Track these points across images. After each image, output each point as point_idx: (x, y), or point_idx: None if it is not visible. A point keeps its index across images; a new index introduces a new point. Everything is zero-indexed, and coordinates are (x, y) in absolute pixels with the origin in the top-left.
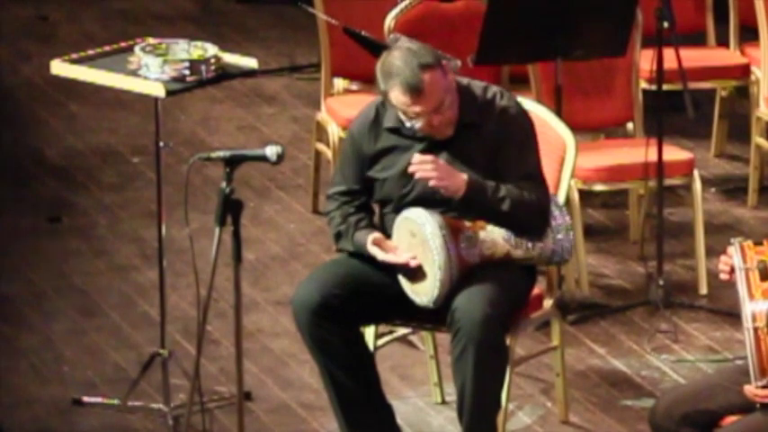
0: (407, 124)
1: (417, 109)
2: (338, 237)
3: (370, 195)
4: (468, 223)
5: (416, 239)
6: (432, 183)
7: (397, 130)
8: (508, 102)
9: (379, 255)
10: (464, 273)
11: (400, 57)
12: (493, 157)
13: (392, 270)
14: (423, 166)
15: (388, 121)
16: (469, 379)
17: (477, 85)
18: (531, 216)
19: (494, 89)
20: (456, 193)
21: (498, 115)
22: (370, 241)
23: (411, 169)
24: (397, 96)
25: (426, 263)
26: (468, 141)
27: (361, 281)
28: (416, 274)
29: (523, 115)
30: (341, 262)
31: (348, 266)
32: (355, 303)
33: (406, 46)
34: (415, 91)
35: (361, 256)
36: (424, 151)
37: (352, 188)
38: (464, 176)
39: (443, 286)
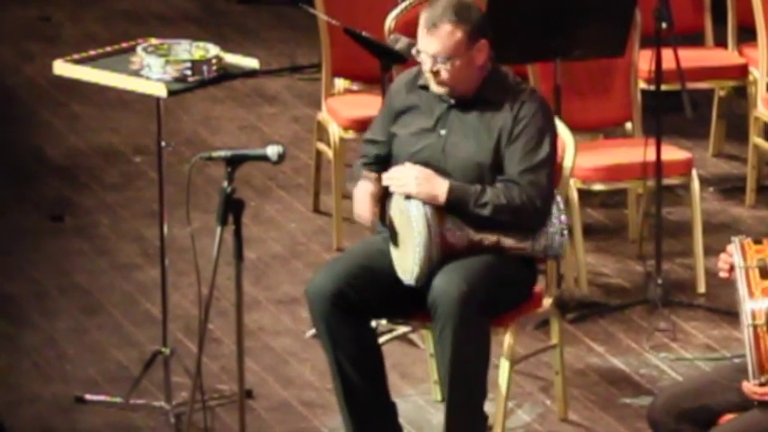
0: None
1: (422, 45)
2: (350, 177)
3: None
4: None
5: (403, 217)
6: (407, 191)
7: (427, 88)
8: (534, 99)
9: (358, 191)
10: (449, 255)
11: (450, 1)
12: (500, 141)
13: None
14: (396, 181)
15: (423, 79)
16: (449, 358)
17: (514, 77)
18: (516, 219)
19: (526, 85)
20: (435, 200)
21: (519, 106)
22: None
23: (384, 183)
24: (420, 21)
25: (410, 241)
26: (482, 116)
27: (376, 273)
28: (402, 252)
29: (545, 114)
30: (357, 253)
31: (364, 258)
32: (369, 295)
33: (466, 1)
34: (429, 26)
35: (374, 246)
36: (439, 118)
37: (377, 138)
38: (445, 185)
39: (423, 265)
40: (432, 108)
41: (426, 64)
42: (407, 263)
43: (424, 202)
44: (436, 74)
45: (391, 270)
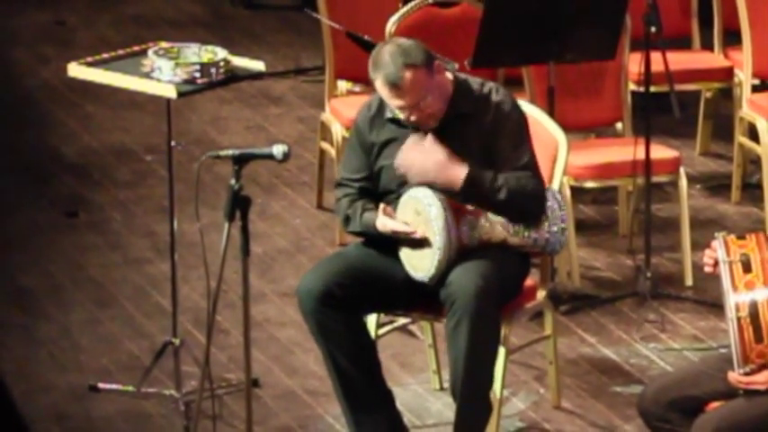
0: (393, 114)
1: (396, 102)
2: (347, 220)
3: (374, 184)
4: (470, 207)
5: (420, 218)
6: (427, 180)
7: (397, 121)
8: (503, 97)
9: (389, 223)
10: (461, 253)
11: (389, 51)
12: (488, 147)
13: (394, 260)
14: (414, 172)
15: (389, 112)
16: (463, 350)
17: (474, 81)
18: (527, 203)
19: (490, 84)
20: (453, 184)
21: (494, 108)
22: (381, 212)
23: (401, 171)
24: (380, 87)
25: (427, 242)
26: (463, 131)
27: (364, 271)
28: (417, 250)
29: (517, 109)
30: (345, 254)
31: (352, 258)
32: (358, 292)
33: (399, 42)
34: (394, 86)
35: (366, 247)
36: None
37: (358, 176)
38: (462, 171)
39: (440, 266)
40: (408, 135)
41: (413, 116)
42: (424, 263)
43: (445, 209)
44: (421, 117)
45: (379, 269)
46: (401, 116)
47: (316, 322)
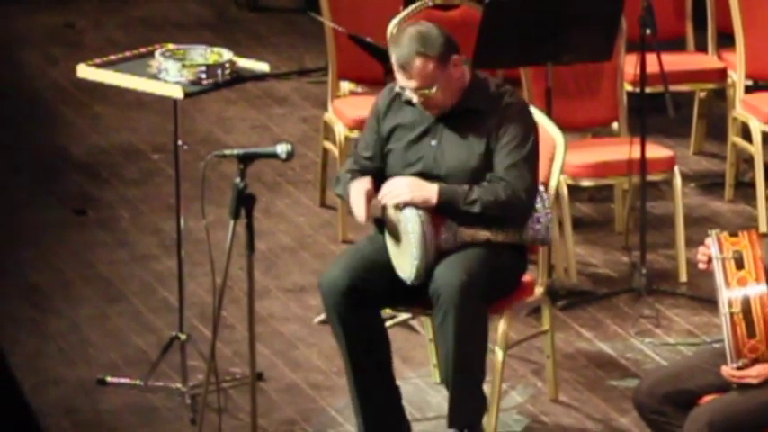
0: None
1: (401, 83)
2: (336, 181)
3: (382, 166)
4: None
5: (401, 226)
6: (402, 200)
7: (411, 103)
8: (516, 100)
9: (354, 191)
10: (442, 254)
11: (409, 34)
12: (489, 144)
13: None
14: (390, 194)
15: (406, 96)
16: (451, 344)
17: (493, 81)
18: (504, 213)
19: (506, 88)
20: (428, 203)
21: (503, 109)
22: (364, 183)
23: (382, 201)
24: (393, 63)
25: (407, 249)
26: (469, 124)
27: (381, 265)
28: (400, 253)
29: (526, 114)
30: (361, 248)
31: (372, 251)
32: (379, 287)
33: (423, 27)
34: (402, 68)
35: (376, 242)
36: (428, 129)
37: (366, 154)
38: (434, 188)
39: (419, 272)
40: (420, 122)
41: (414, 97)
42: (405, 267)
43: (422, 217)
44: (425, 101)
45: (389, 264)
46: (405, 94)
47: (339, 316)
